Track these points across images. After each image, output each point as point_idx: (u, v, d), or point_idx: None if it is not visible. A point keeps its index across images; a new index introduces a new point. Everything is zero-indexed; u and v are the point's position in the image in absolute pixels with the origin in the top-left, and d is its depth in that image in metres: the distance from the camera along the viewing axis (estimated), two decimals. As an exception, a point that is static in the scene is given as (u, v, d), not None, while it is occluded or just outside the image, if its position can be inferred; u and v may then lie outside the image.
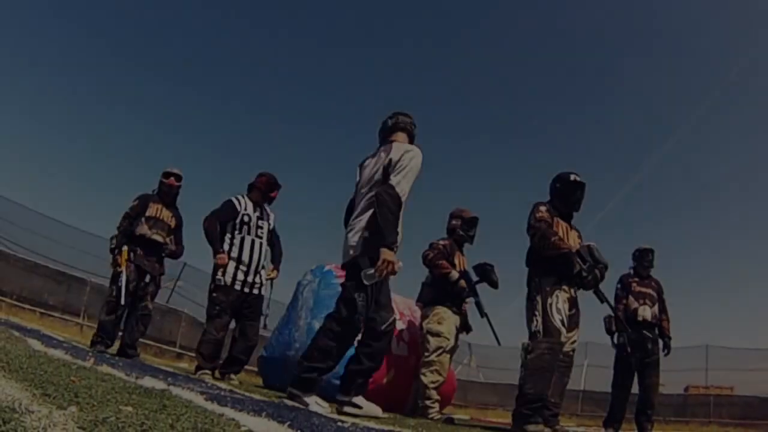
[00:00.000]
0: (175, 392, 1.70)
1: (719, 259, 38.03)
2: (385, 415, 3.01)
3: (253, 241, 4.32)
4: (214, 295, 4.19)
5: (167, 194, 4.95)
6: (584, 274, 3.25)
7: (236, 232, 4.30)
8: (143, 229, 4.76)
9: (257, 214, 4.42)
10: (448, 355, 4.26)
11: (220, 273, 4.16)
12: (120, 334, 4.86)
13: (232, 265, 4.21)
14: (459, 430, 3.14)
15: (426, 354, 4.18)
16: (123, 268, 4.60)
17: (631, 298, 5.35)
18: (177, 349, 12.66)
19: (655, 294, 5.44)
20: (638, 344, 5.21)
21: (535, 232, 3.34)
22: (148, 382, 1.88)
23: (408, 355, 4.61)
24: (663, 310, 5.47)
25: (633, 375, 5.32)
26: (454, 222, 4.57)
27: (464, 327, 4.52)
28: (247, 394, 2.92)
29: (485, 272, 4.48)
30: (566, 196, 3.53)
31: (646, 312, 5.29)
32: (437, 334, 4.19)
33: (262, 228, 4.43)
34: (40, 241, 12.57)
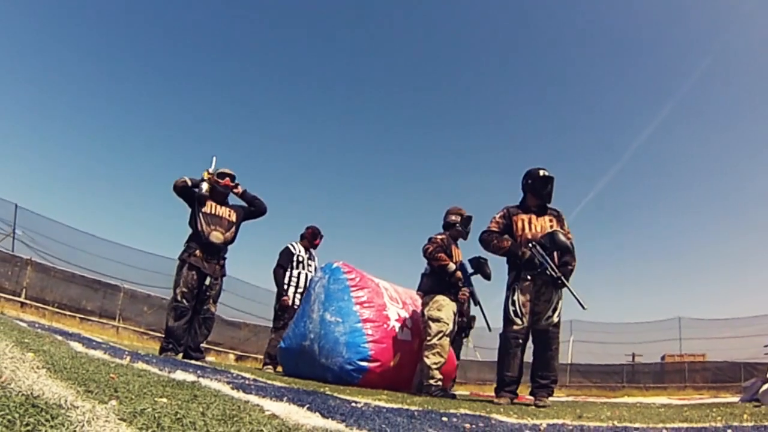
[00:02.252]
0: (205, 383, 1.70)
1: (689, 240, 38.13)
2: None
3: (306, 274, 5.56)
4: (281, 313, 5.46)
5: (220, 194, 4.60)
6: (537, 260, 3.43)
7: (295, 268, 5.60)
8: (202, 225, 4.39)
9: (307, 255, 5.73)
10: (448, 339, 4.26)
11: (285, 297, 5.47)
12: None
13: (292, 290, 5.51)
14: (461, 405, 3.14)
15: (428, 338, 4.18)
16: (206, 177, 4.47)
17: None
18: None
19: None
20: None
21: (480, 243, 3.82)
22: (179, 375, 1.88)
23: (412, 339, 4.61)
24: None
25: None
26: (453, 218, 4.55)
27: (461, 313, 4.53)
28: (269, 381, 2.92)
29: (479, 265, 4.48)
30: (537, 190, 3.66)
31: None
32: (437, 320, 4.19)
33: (311, 265, 5.69)
34: (77, 253, 12.58)
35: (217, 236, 4.45)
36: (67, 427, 0.74)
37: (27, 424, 0.71)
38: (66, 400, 0.92)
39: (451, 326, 4.26)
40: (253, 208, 4.77)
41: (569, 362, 17.09)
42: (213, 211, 4.52)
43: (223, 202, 4.64)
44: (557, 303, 3.52)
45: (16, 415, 0.74)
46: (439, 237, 4.42)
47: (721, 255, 37.30)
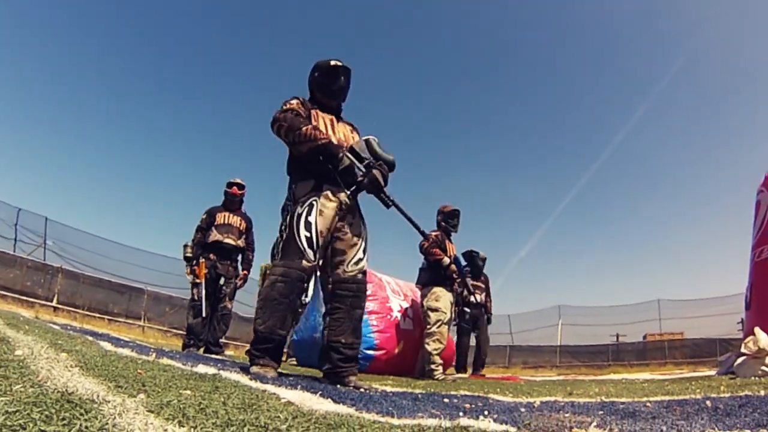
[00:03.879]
0: (225, 375, 1.70)
1: (665, 228, 38.26)
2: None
3: None
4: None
5: (231, 202, 4.71)
6: (357, 171, 2.23)
7: None
8: (215, 235, 4.52)
9: None
10: (446, 326, 4.27)
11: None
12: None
13: None
14: (461, 386, 3.14)
15: (428, 327, 4.18)
16: (201, 280, 4.35)
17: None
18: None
19: (483, 286, 6.03)
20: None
21: (280, 124, 2.21)
22: (201, 368, 1.87)
23: (413, 328, 4.61)
24: (488, 295, 6.18)
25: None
26: (439, 216, 4.59)
27: (456, 303, 4.53)
28: (283, 372, 2.91)
29: (472, 257, 4.50)
30: (325, 84, 2.44)
31: (478, 298, 5.54)
32: (436, 310, 4.19)
33: None
34: (104, 260, 12.58)
35: (230, 241, 4.55)
36: (99, 419, 0.74)
37: (63, 419, 0.71)
38: (98, 395, 0.92)
39: (448, 315, 4.26)
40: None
41: (559, 344, 17.09)
42: (225, 221, 4.62)
43: (234, 211, 4.70)
44: (366, 242, 2.36)
45: (53, 411, 0.74)
46: (434, 234, 4.42)
47: (696, 241, 37.52)
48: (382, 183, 2.24)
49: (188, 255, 4.51)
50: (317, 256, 2.18)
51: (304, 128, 2.17)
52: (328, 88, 2.43)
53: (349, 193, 2.23)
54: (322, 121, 2.36)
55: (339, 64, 2.42)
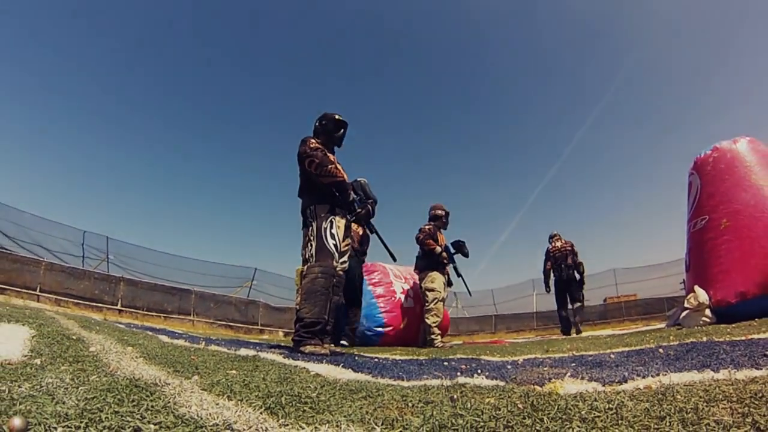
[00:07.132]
0: (263, 356, 1.70)
1: (617, 209, 38.35)
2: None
3: None
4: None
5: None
6: (356, 205, 2.44)
7: None
8: None
9: None
10: (442, 303, 4.26)
11: None
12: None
13: None
14: (457, 351, 3.14)
15: (426, 304, 4.18)
16: None
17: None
18: (259, 327, 12.61)
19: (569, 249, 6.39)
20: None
21: (312, 159, 2.32)
22: (243, 352, 1.88)
23: (414, 306, 4.61)
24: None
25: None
26: (438, 212, 4.55)
27: (448, 283, 4.53)
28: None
29: (459, 246, 4.49)
30: (331, 132, 2.53)
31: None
32: (432, 290, 4.19)
33: None
34: (157, 268, 12.56)
35: (355, 248, 4.37)
36: (162, 399, 0.74)
37: (133, 401, 0.71)
38: (160, 380, 0.92)
39: (443, 293, 4.26)
40: None
41: (534, 311, 17.08)
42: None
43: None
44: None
45: (124, 395, 0.74)
46: (427, 227, 4.42)
47: (642, 217, 37.61)
48: (371, 216, 2.55)
49: None
50: (340, 258, 2.40)
51: (330, 166, 2.34)
52: (333, 136, 2.52)
53: (349, 218, 2.44)
54: (335, 161, 2.47)
55: (341, 119, 2.53)
